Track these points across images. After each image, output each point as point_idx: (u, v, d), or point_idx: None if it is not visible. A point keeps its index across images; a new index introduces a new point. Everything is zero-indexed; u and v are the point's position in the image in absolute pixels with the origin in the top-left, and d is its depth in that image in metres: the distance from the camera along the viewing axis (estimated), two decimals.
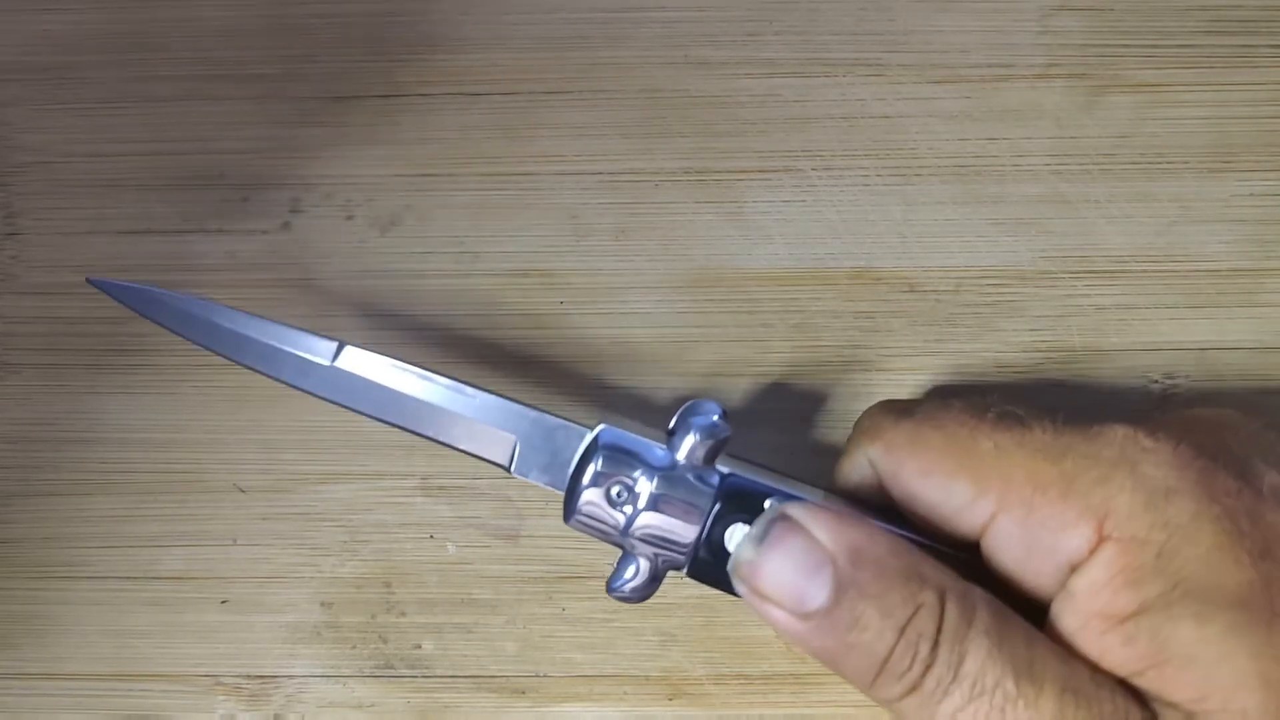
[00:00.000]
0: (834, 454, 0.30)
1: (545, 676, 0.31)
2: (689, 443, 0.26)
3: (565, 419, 0.27)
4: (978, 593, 0.24)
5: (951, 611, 0.23)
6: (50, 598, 0.31)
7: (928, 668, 0.23)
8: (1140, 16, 0.30)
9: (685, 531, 0.26)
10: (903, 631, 0.23)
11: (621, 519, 0.26)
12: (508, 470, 0.27)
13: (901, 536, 0.25)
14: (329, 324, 0.30)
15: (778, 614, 0.24)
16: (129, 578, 0.31)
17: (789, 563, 0.24)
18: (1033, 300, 0.30)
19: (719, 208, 0.30)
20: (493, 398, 0.27)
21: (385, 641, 0.31)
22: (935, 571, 0.24)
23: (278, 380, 0.27)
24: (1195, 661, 0.22)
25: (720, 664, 0.31)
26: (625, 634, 0.31)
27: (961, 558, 0.25)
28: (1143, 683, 0.23)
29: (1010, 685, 0.23)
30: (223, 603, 0.31)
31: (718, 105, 0.30)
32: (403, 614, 0.31)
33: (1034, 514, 0.24)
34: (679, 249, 0.30)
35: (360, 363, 0.27)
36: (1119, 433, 0.24)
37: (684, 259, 0.30)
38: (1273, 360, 0.30)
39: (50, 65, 0.31)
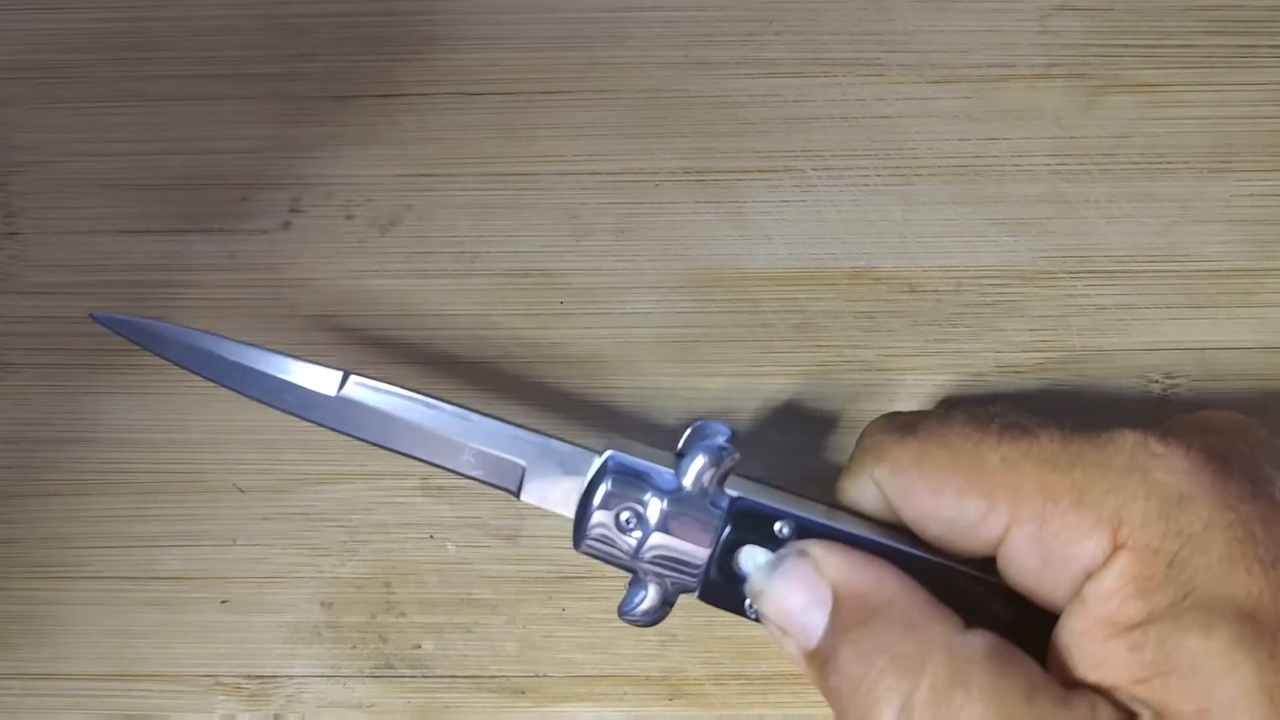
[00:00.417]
0: (835, 454, 0.30)
1: (545, 676, 0.31)
2: (698, 465, 0.26)
3: (573, 443, 0.27)
4: (976, 646, 0.23)
5: (940, 673, 0.23)
6: (49, 598, 0.31)
7: None
8: (1140, 16, 0.30)
9: (696, 554, 0.26)
10: (885, 685, 0.23)
11: (631, 543, 0.26)
12: (516, 496, 0.27)
13: (915, 556, 0.25)
14: (329, 324, 0.30)
15: (788, 642, 0.25)
16: (128, 578, 0.31)
17: (795, 595, 0.25)
18: (1033, 300, 0.30)
19: (719, 208, 0.30)
20: (499, 424, 0.27)
21: (385, 641, 0.31)
22: (936, 623, 0.24)
23: (285, 412, 0.27)
24: (1200, 672, 0.22)
25: (720, 664, 0.31)
26: (625, 634, 0.31)
27: (976, 575, 0.25)
28: (1145, 691, 0.22)
29: None
30: (222, 603, 0.31)
31: (718, 105, 0.30)
32: (403, 614, 0.31)
33: (1047, 526, 0.24)
34: (679, 249, 0.30)
35: (365, 393, 0.27)
36: (1129, 439, 0.24)
37: (684, 259, 0.30)
38: (1273, 360, 0.30)
39: (50, 64, 0.31)
